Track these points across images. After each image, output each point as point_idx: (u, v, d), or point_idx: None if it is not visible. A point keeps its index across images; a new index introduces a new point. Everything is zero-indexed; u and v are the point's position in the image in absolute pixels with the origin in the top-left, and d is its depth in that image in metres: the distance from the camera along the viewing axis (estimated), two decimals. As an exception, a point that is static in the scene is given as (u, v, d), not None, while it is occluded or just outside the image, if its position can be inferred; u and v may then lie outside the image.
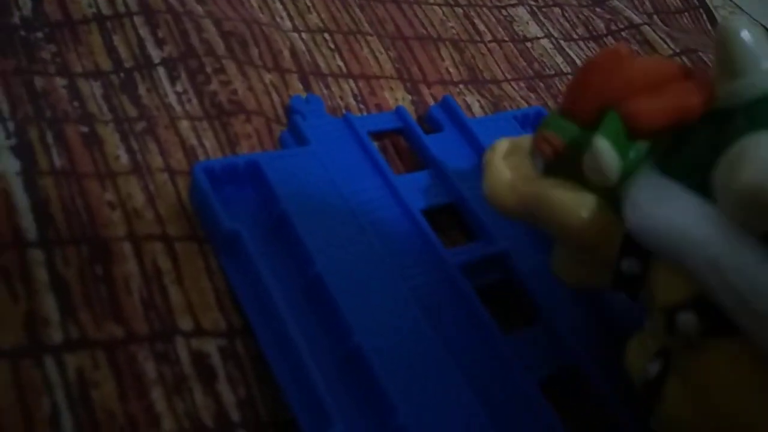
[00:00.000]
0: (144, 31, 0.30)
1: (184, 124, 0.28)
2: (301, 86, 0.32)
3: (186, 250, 0.24)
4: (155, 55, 0.30)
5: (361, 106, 0.32)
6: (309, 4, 0.36)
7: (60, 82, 0.27)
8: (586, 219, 0.20)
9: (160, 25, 0.31)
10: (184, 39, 0.30)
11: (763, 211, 0.15)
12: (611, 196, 0.20)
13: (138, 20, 0.30)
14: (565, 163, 0.21)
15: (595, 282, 0.22)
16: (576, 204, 0.20)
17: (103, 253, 0.23)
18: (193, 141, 0.27)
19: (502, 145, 0.24)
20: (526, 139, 0.24)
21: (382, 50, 0.36)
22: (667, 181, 0.18)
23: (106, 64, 0.29)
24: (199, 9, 0.32)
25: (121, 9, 0.31)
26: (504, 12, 0.42)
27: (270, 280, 0.22)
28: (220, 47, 0.31)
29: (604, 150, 0.19)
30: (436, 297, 0.24)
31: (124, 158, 0.26)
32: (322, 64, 0.33)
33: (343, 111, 0.31)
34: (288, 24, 0.35)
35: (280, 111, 0.30)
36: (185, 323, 0.22)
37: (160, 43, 0.30)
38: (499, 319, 0.24)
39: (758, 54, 0.17)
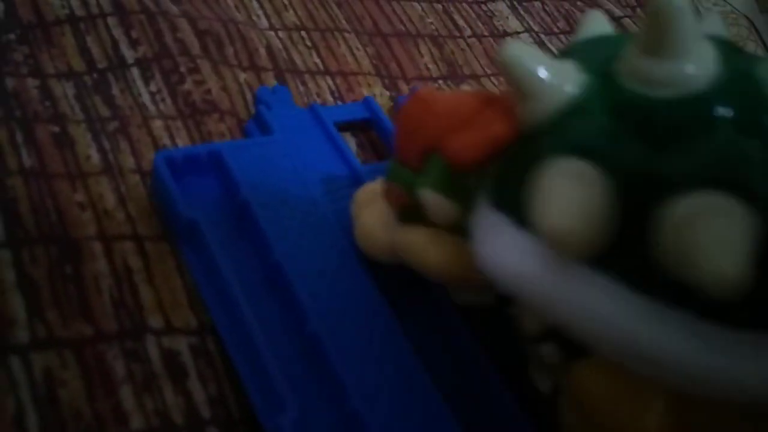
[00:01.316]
0: (117, 32, 0.30)
1: (158, 124, 0.28)
2: (276, 84, 0.32)
3: (157, 249, 0.24)
4: (129, 55, 0.30)
5: (338, 102, 0.32)
6: (286, 2, 0.36)
7: (32, 83, 0.27)
8: (443, 259, 0.21)
9: (134, 25, 0.31)
10: (158, 39, 0.30)
11: (572, 248, 0.16)
12: (462, 230, 0.20)
13: (111, 21, 0.30)
14: (412, 209, 0.21)
15: (487, 302, 0.22)
16: (431, 247, 0.21)
17: (73, 252, 0.23)
18: (166, 140, 0.27)
19: (362, 195, 0.25)
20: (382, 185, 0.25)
21: (360, 47, 0.36)
22: (495, 216, 0.18)
23: (79, 65, 0.29)
24: (174, 9, 0.32)
25: (95, 10, 0.31)
26: (484, 7, 0.42)
27: (227, 267, 0.22)
28: (195, 47, 0.31)
29: (428, 198, 0.20)
30: (396, 283, 0.24)
31: (96, 158, 0.26)
32: (298, 62, 0.33)
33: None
34: (264, 22, 0.35)
35: (254, 110, 0.30)
36: (156, 321, 0.22)
37: (134, 44, 0.30)
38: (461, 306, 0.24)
39: (540, 76, 0.17)
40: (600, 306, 0.16)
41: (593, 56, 0.18)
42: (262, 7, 0.35)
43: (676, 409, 0.17)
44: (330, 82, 0.33)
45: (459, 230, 0.20)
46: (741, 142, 0.15)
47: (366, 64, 0.35)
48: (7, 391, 0.19)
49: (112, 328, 0.21)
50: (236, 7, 0.35)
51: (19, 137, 0.25)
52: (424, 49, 0.37)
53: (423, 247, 0.21)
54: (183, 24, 0.32)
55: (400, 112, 0.22)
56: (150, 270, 0.23)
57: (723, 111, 0.16)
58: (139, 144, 0.27)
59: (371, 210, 0.23)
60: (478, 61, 0.38)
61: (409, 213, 0.22)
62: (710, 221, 0.15)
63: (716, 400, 0.16)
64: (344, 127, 0.31)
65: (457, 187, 0.20)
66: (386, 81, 0.35)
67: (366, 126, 0.32)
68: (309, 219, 0.25)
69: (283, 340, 0.22)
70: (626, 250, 0.16)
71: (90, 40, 0.30)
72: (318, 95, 0.32)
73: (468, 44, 0.39)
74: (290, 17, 0.35)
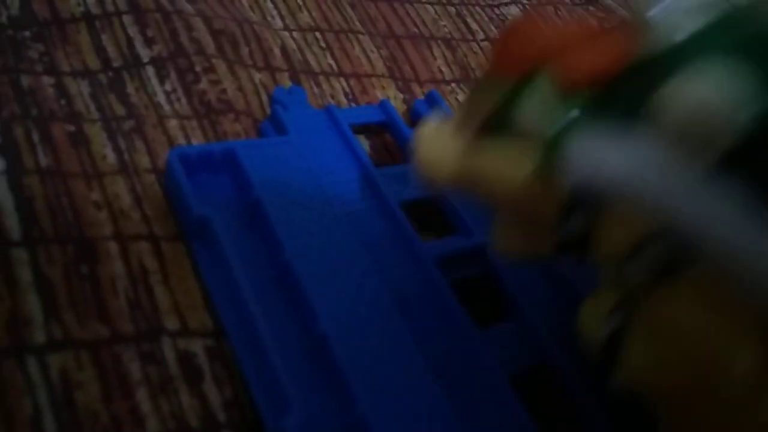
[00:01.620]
0: (133, 31, 0.30)
1: (173, 123, 0.28)
2: (291, 84, 0.31)
3: (173, 250, 0.24)
4: (144, 54, 0.29)
5: (352, 104, 0.32)
6: (300, 3, 0.36)
7: (47, 80, 0.27)
8: (523, 182, 0.19)
9: (149, 24, 0.30)
10: (173, 38, 0.30)
11: (708, 130, 0.15)
12: (549, 156, 0.19)
13: (127, 19, 0.30)
14: (498, 127, 0.20)
15: (539, 251, 0.21)
16: (512, 167, 0.20)
17: (89, 252, 0.22)
18: (181, 140, 0.27)
19: (434, 119, 0.24)
20: (458, 113, 0.24)
21: (374, 49, 0.35)
22: (606, 128, 0.17)
23: (94, 63, 0.28)
24: (189, 8, 0.32)
25: (110, 8, 0.30)
26: (497, 11, 0.42)
27: (237, 264, 0.22)
28: (210, 46, 0.31)
29: (531, 111, 0.19)
30: (409, 289, 0.24)
31: (111, 157, 0.25)
32: (313, 63, 0.33)
33: (334, 110, 0.31)
34: (279, 23, 0.35)
35: (269, 110, 0.30)
36: (171, 323, 0.22)
37: (149, 42, 0.30)
38: (476, 313, 0.24)
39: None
40: (719, 210, 0.14)
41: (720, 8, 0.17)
42: (276, 7, 0.35)
43: None
44: (344, 83, 0.33)
45: (542, 154, 0.19)
46: None
47: (380, 66, 0.35)
48: (24, 392, 0.19)
49: (128, 330, 0.21)
50: (251, 7, 0.35)
51: (36, 136, 0.25)
52: (437, 52, 0.37)
53: (504, 169, 0.20)
54: (198, 23, 0.31)
55: (511, 24, 0.21)
56: (166, 271, 0.23)
57: None
58: (154, 143, 0.26)
59: (444, 132, 0.22)
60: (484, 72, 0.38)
61: (491, 132, 0.20)
62: None
63: None
64: (358, 129, 0.31)
65: (557, 106, 0.19)
66: (400, 83, 0.34)
67: (381, 129, 0.31)
68: (321, 220, 0.25)
69: (291, 341, 0.22)
70: (755, 160, 0.14)
71: (105, 39, 0.29)
72: (332, 96, 0.32)
73: (481, 47, 0.39)
74: (304, 18, 0.35)
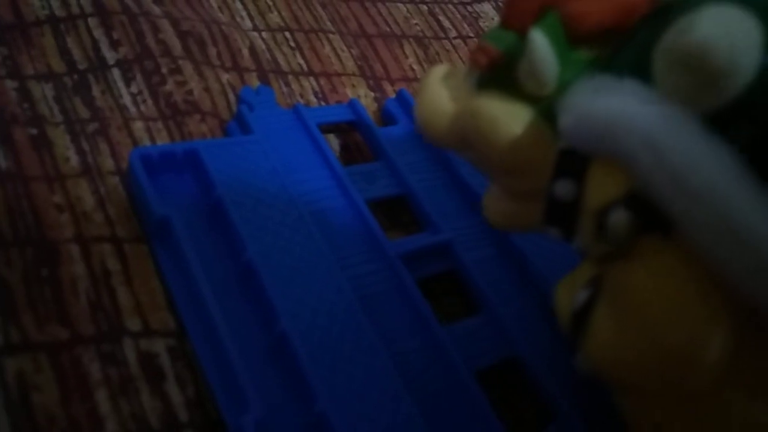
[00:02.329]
0: (98, 33, 0.30)
1: (138, 125, 0.27)
2: (259, 84, 0.31)
3: (136, 251, 0.24)
4: (110, 56, 0.29)
5: (322, 103, 0.32)
6: (270, 3, 0.36)
7: (10, 84, 0.27)
8: (517, 132, 0.18)
9: (115, 26, 0.30)
10: (139, 40, 0.30)
11: (711, 74, 0.13)
12: (547, 110, 0.18)
13: (92, 22, 0.30)
14: (500, 76, 0.19)
15: (527, 221, 0.20)
16: (507, 116, 0.19)
17: (50, 255, 0.22)
18: (147, 142, 0.27)
19: (440, 68, 0.22)
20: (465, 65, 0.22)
21: (345, 48, 0.35)
22: (606, 78, 0.16)
23: (59, 66, 0.28)
24: (157, 9, 0.32)
25: (75, 10, 0.30)
26: (469, 8, 0.42)
27: (197, 265, 0.22)
28: (177, 48, 0.31)
29: (540, 44, 0.17)
30: (374, 287, 0.24)
31: (75, 160, 0.25)
32: (282, 63, 0.33)
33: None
34: (248, 23, 0.35)
35: (236, 110, 0.30)
36: (133, 324, 0.22)
37: (114, 45, 0.30)
38: (442, 309, 0.24)
39: None
40: (708, 168, 0.13)
41: None
42: (245, 8, 0.35)
43: (740, 340, 0.14)
44: (314, 82, 0.33)
45: (542, 108, 0.18)
46: None
47: (350, 65, 0.35)
48: (-21, 395, 0.19)
49: (89, 332, 0.21)
50: (219, 8, 0.35)
51: (-4, 139, 0.25)
52: (408, 50, 0.37)
53: (499, 116, 0.19)
54: (165, 25, 0.31)
55: None
56: (128, 272, 0.23)
57: None
58: (119, 145, 0.26)
59: (447, 83, 0.21)
60: (464, 62, 0.38)
61: (493, 77, 0.19)
62: None
63: None
64: (328, 128, 0.31)
65: (562, 56, 0.18)
66: (371, 82, 0.34)
67: (350, 128, 0.31)
68: (285, 219, 0.25)
69: (252, 340, 0.22)
70: (755, 117, 0.13)
71: (70, 41, 0.29)
72: (301, 96, 0.32)
73: (453, 45, 0.39)
74: (274, 18, 0.35)
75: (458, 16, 0.41)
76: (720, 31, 0.13)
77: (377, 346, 0.22)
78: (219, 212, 0.24)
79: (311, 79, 0.33)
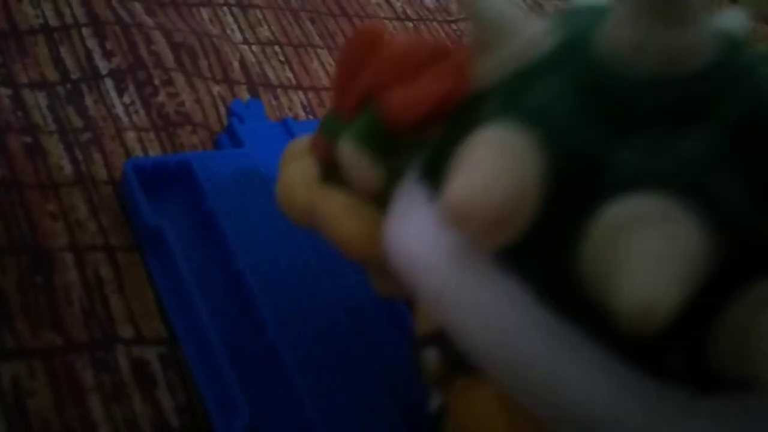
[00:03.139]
0: (92, 43, 0.30)
1: (131, 135, 0.28)
2: (249, 97, 0.32)
3: (128, 260, 0.24)
4: (103, 66, 0.30)
5: (310, 117, 0.33)
6: (260, 17, 0.37)
7: (4, 92, 0.27)
8: (356, 232, 0.18)
9: (108, 36, 0.31)
10: (132, 51, 0.31)
11: (468, 224, 0.13)
12: (384, 203, 0.17)
13: (86, 32, 0.31)
14: (336, 170, 0.19)
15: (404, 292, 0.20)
16: (344, 214, 0.19)
17: (44, 263, 0.23)
18: (139, 152, 0.28)
19: (297, 145, 0.22)
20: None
21: (333, 62, 0.36)
22: (417, 190, 0.15)
23: (52, 75, 0.29)
24: (149, 21, 0.33)
25: (69, 20, 0.31)
26: (454, 26, 0.44)
27: (189, 274, 0.22)
28: (169, 59, 0.31)
29: (348, 150, 0.17)
30: (360, 296, 0.25)
31: (68, 169, 0.26)
32: (271, 76, 0.34)
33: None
34: (238, 36, 0.35)
35: (227, 122, 0.30)
36: (126, 331, 0.22)
37: (108, 55, 0.30)
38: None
39: (508, 23, 0.14)
40: (500, 311, 0.13)
41: (577, 21, 0.15)
42: (236, 21, 0.36)
43: None
44: (302, 96, 0.34)
45: (381, 202, 0.18)
46: (721, 147, 0.12)
47: (338, 80, 0.36)
48: (-25, 400, 0.19)
49: (82, 339, 0.22)
50: (210, 20, 0.35)
51: (-9, 147, 0.25)
52: (395, 66, 0.38)
53: (337, 214, 0.19)
54: (157, 36, 0.32)
55: (342, 50, 0.19)
56: (121, 280, 0.23)
57: (712, 104, 0.13)
58: (112, 155, 0.27)
59: (296, 165, 0.21)
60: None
61: (332, 172, 0.19)
62: (650, 230, 0.12)
63: None
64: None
65: (385, 148, 0.17)
66: (357, 97, 0.35)
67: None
68: (274, 231, 0.26)
69: (241, 347, 0.22)
70: (544, 252, 0.13)
71: (64, 51, 0.30)
72: (290, 109, 0.33)
73: (438, 62, 0.40)
74: (264, 32, 0.36)
75: (442, 33, 0.42)
76: (489, 179, 0.13)
77: (363, 356, 0.23)
78: (210, 223, 0.25)
79: (300, 92, 0.34)
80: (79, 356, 0.21)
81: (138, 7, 0.33)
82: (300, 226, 0.21)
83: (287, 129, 0.30)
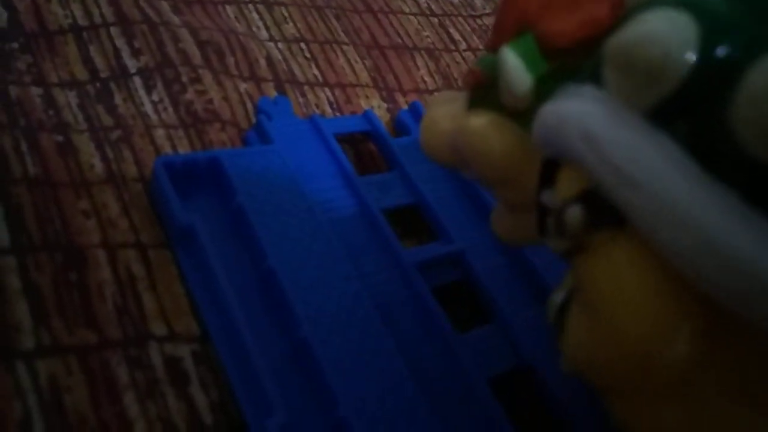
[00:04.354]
0: (120, 42, 0.31)
1: (160, 133, 0.28)
2: (276, 94, 0.32)
3: (160, 257, 0.24)
4: (131, 65, 0.30)
5: (337, 113, 0.33)
6: (285, 14, 0.37)
7: (35, 91, 0.27)
8: (505, 144, 0.19)
9: (136, 35, 0.31)
10: (160, 49, 0.31)
11: (643, 71, 0.14)
12: (529, 123, 0.18)
13: (114, 31, 0.31)
14: (487, 94, 0.20)
15: (529, 234, 0.20)
16: (492, 130, 0.19)
17: (77, 260, 0.23)
18: (168, 149, 0.28)
19: (443, 93, 0.24)
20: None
21: (358, 59, 0.36)
22: (570, 86, 0.16)
23: (82, 74, 0.29)
24: (176, 19, 0.33)
25: (98, 20, 0.31)
26: (479, 21, 0.43)
27: (221, 271, 0.22)
28: (197, 57, 0.31)
29: (509, 60, 0.18)
30: (390, 295, 0.25)
31: (99, 167, 0.26)
32: (298, 73, 0.34)
33: (318, 119, 0.32)
34: (264, 33, 0.35)
35: (254, 119, 0.30)
36: (158, 328, 0.22)
37: (136, 54, 0.30)
38: (456, 318, 0.25)
39: None
40: (652, 163, 0.13)
41: None
42: (261, 18, 0.36)
43: (712, 337, 0.13)
44: (329, 93, 0.34)
45: (528, 122, 0.18)
46: None
47: (364, 77, 0.35)
48: (13, 396, 0.19)
49: (116, 335, 0.22)
50: (236, 18, 0.35)
51: (24, 146, 0.25)
52: (420, 62, 0.38)
53: (484, 129, 0.20)
54: (184, 34, 0.32)
55: None
56: (153, 277, 0.23)
57: None
58: (141, 153, 0.27)
59: (442, 105, 0.22)
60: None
61: (482, 96, 0.20)
62: None
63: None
64: (343, 138, 0.31)
65: (539, 69, 0.18)
66: (383, 93, 0.35)
67: (365, 138, 0.32)
68: (304, 227, 0.25)
69: (274, 345, 0.22)
70: (694, 111, 0.13)
71: (93, 50, 0.30)
72: (317, 106, 0.33)
73: (463, 57, 0.40)
74: (290, 29, 0.36)
75: (468, 28, 0.42)
76: (651, 31, 0.14)
77: (394, 353, 0.23)
78: (240, 220, 0.25)
79: (326, 89, 0.34)
80: (114, 353, 0.21)
81: (165, 6, 0.34)
82: (444, 165, 0.22)
83: (315, 126, 0.30)
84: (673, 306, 0.13)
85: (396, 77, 0.36)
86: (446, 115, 0.22)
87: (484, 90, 0.20)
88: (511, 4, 0.19)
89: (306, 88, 0.33)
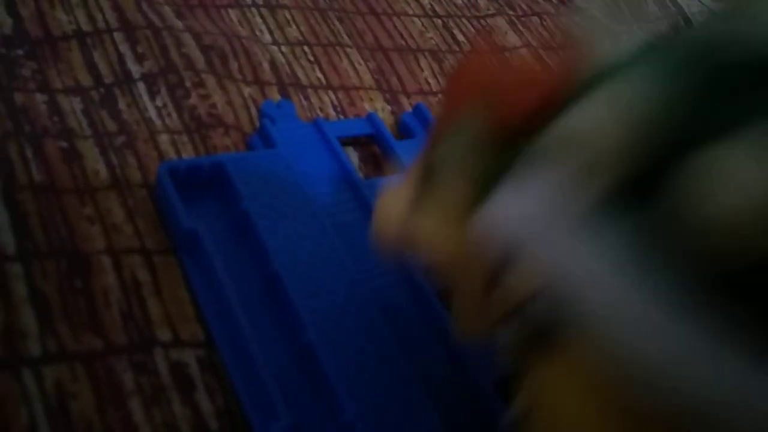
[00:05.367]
0: (124, 47, 0.31)
1: (164, 138, 0.28)
2: (280, 98, 0.32)
3: (165, 262, 0.24)
4: (135, 70, 0.30)
5: (341, 116, 0.33)
6: (288, 17, 0.37)
7: (40, 98, 0.28)
8: (444, 251, 0.19)
9: (139, 40, 0.31)
10: (163, 54, 0.31)
11: (586, 160, 0.14)
12: (471, 209, 0.18)
13: (118, 36, 0.31)
14: (431, 180, 0.20)
15: (486, 327, 0.20)
16: (435, 236, 0.20)
17: (82, 266, 0.23)
18: (173, 155, 0.28)
19: (396, 183, 0.23)
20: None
21: (362, 61, 0.36)
22: (510, 177, 0.16)
23: (86, 80, 0.29)
24: (179, 24, 0.33)
25: (101, 25, 0.31)
26: (483, 22, 0.43)
27: (225, 276, 0.22)
28: (200, 61, 0.31)
29: (451, 156, 0.18)
30: (395, 298, 0.25)
31: (104, 173, 0.26)
32: (301, 76, 0.34)
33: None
34: (268, 37, 0.35)
35: (258, 123, 0.30)
36: (164, 334, 0.22)
37: (139, 59, 0.30)
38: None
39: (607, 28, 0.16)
40: (597, 265, 0.13)
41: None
42: (265, 22, 0.36)
43: None
44: (332, 96, 0.34)
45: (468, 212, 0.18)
46: None
47: (367, 79, 0.35)
48: (20, 402, 0.19)
49: (122, 341, 0.22)
50: (239, 22, 0.35)
51: (29, 152, 0.25)
52: (424, 64, 0.38)
53: (430, 235, 0.20)
54: (188, 39, 0.32)
55: (458, 67, 0.20)
56: (158, 283, 0.24)
57: None
58: (146, 158, 0.27)
59: (396, 196, 0.22)
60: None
61: (427, 184, 0.20)
62: (741, 160, 0.12)
63: None
64: (347, 141, 0.31)
65: (479, 153, 0.18)
66: (387, 95, 0.35)
67: (369, 141, 0.32)
68: (308, 231, 0.26)
69: (279, 350, 0.22)
70: (639, 204, 0.13)
71: (97, 55, 0.30)
72: (321, 109, 0.33)
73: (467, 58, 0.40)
74: (293, 32, 0.36)
75: (472, 29, 0.42)
76: (604, 108, 0.13)
77: (400, 357, 0.23)
78: (245, 225, 0.25)
79: (330, 92, 0.34)
80: (119, 359, 0.21)
81: (167, 11, 0.34)
82: (394, 258, 0.22)
83: (319, 129, 0.30)
84: (611, 424, 0.14)
85: (400, 79, 0.36)
86: (397, 209, 0.22)
87: (430, 173, 0.20)
88: (462, 83, 0.19)
89: (309, 91, 0.33)
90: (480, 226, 0.16)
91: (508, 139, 0.17)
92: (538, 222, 0.14)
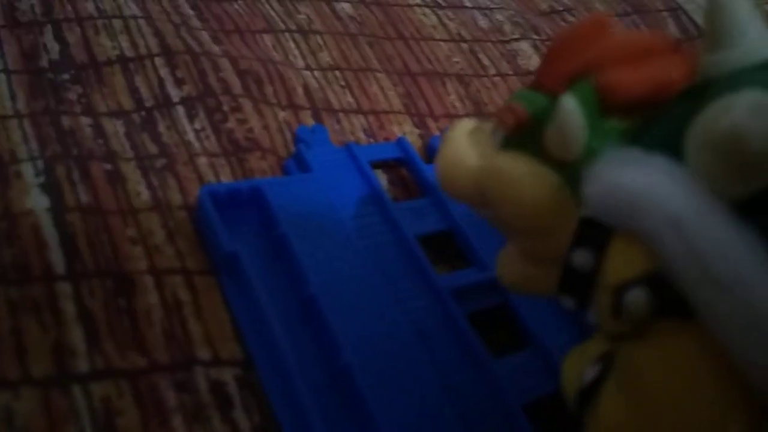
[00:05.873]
0: (164, 72, 0.32)
1: (203, 161, 0.29)
2: (313, 122, 0.33)
3: (204, 283, 0.25)
4: (174, 94, 0.31)
5: (371, 140, 0.34)
6: (321, 42, 0.38)
7: (85, 121, 0.29)
8: (539, 196, 0.18)
9: (179, 65, 0.32)
10: (202, 78, 0.32)
11: (742, 160, 0.13)
12: (572, 176, 0.18)
13: (159, 61, 0.32)
14: (527, 137, 0.19)
15: (540, 286, 0.20)
16: (530, 178, 0.18)
17: (127, 286, 0.24)
18: (211, 177, 0.29)
19: (466, 123, 0.22)
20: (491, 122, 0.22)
21: (391, 86, 0.37)
22: (636, 151, 0.16)
23: (128, 103, 0.30)
24: (216, 49, 0.34)
25: (143, 51, 0.32)
26: (508, 46, 0.44)
27: (264, 298, 0.23)
28: (237, 86, 0.32)
29: (570, 110, 0.17)
30: (428, 320, 0.25)
31: (145, 195, 0.27)
32: (333, 101, 0.35)
33: (354, 146, 0.33)
34: (301, 62, 0.36)
35: (293, 148, 0.31)
36: (204, 353, 0.23)
37: (179, 83, 0.32)
38: (492, 343, 0.25)
39: (747, 24, 0.15)
40: (738, 257, 0.13)
41: None
42: (298, 47, 0.37)
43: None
44: (363, 120, 0.34)
45: (567, 174, 0.18)
46: None
47: (396, 103, 0.36)
48: (69, 418, 0.20)
49: (164, 360, 0.22)
50: (274, 47, 0.36)
51: (76, 174, 0.26)
52: (450, 88, 0.39)
53: (522, 177, 0.19)
54: (225, 64, 0.33)
55: (565, 30, 0.20)
56: (198, 303, 0.24)
57: None
58: (185, 181, 0.28)
59: (471, 138, 0.21)
60: (503, 99, 0.40)
61: (519, 137, 0.19)
62: None
63: None
64: (377, 164, 0.32)
65: (593, 123, 0.18)
66: (415, 119, 0.36)
67: (398, 164, 0.33)
68: (343, 254, 0.26)
69: (315, 370, 0.23)
70: None
71: (138, 80, 0.31)
72: (352, 133, 0.34)
73: (493, 83, 0.41)
74: (325, 57, 0.37)
75: (497, 54, 0.43)
76: (755, 117, 0.13)
77: (432, 379, 0.23)
78: (283, 247, 0.25)
79: (360, 116, 0.35)
80: (162, 377, 0.22)
81: (205, 36, 0.35)
82: (460, 201, 0.21)
83: (351, 153, 0.31)
84: (723, 413, 0.13)
85: (427, 103, 0.37)
86: (473, 151, 0.21)
87: (523, 131, 0.19)
88: (571, 47, 0.19)
89: (341, 115, 0.34)
90: (599, 188, 0.16)
91: (621, 111, 0.17)
92: (688, 204, 0.14)
